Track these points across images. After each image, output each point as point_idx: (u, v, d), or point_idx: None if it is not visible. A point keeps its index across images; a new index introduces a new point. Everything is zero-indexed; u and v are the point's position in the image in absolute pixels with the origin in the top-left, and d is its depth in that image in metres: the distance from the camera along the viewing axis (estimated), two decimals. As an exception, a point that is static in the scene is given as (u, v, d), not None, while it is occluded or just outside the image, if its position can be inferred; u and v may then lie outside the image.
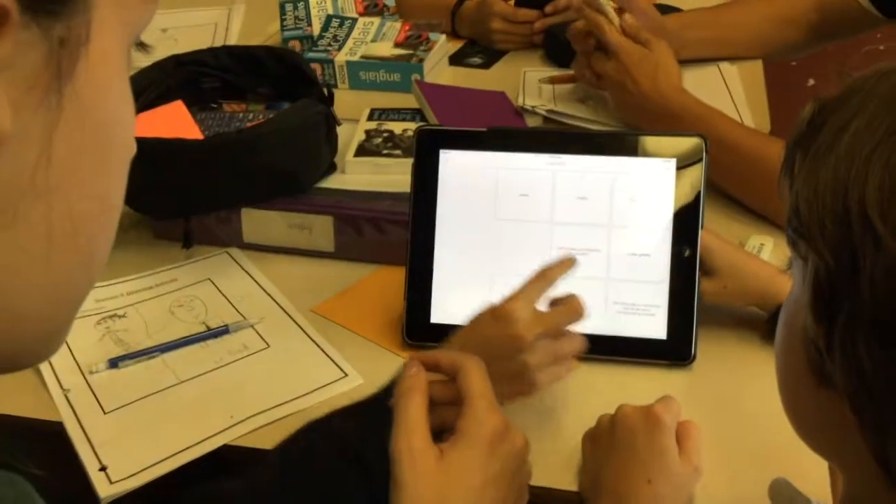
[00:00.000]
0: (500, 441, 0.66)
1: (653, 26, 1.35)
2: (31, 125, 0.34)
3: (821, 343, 0.45)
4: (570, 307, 0.80)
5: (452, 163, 0.94)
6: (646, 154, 0.91)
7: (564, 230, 0.91)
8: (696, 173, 0.90)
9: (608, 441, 0.77)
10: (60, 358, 0.92)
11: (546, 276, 0.81)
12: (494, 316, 0.78)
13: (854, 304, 0.43)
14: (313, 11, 1.61)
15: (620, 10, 1.22)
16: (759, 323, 0.91)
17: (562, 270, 0.82)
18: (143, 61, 1.21)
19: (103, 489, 0.78)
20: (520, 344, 0.77)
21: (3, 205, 0.35)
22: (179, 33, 1.70)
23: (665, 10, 1.56)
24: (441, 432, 0.68)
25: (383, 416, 0.68)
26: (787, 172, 0.49)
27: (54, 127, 0.35)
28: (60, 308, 0.40)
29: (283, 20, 1.60)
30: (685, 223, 0.90)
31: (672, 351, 0.90)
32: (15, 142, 0.34)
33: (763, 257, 1.00)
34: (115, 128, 0.39)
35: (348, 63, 1.48)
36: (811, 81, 2.44)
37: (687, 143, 0.91)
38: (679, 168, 0.90)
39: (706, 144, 0.90)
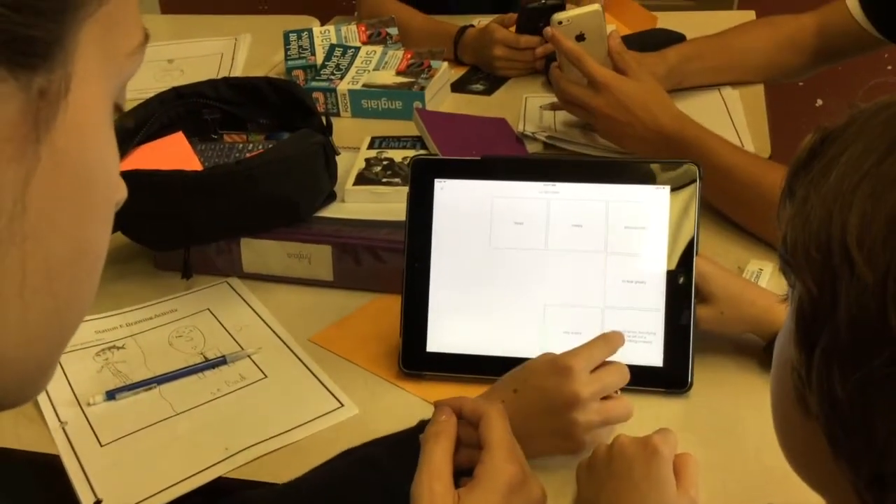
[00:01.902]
0: (517, 491, 0.67)
1: (653, 63, 1.36)
2: (6, 174, 0.34)
3: (802, 372, 0.45)
4: (619, 369, 0.82)
5: (447, 192, 0.94)
6: (639, 181, 0.91)
7: (559, 258, 0.91)
8: (690, 199, 0.90)
9: (605, 471, 0.76)
10: (58, 390, 0.93)
11: (608, 341, 0.82)
12: (554, 368, 0.79)
13: (831, 332, 0.43)
14: (317, 41, 1.62)
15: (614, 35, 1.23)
16: (756, 350, 0.91)
17: (620, 340, 0.83)
18: (144, 93, 1.23)
19: (97, 523, 0.79)
20: (575, 400, 0.78)
21: None
22: (185, 64, 1.72)
23: (669, 36, 1.57)
24: (465, 472, 0.70)
25: (414, 448, 0.70)
26: (787, 199, 0.49)
27: (31, 176, 0.35)
28: (41, 351, 0.40)
29: (287, 50, 1.62)
30: (680, 249, 0.89)
31: (669, 378, 0.89)
32: None
33: (762, 282, 0.99)
34: (95, 177, 0.39)
35: (350, 91, 1.49)
36: (819, 101, 2.44)
37: (680, 169, 0.91)
38: (673, 194, 0.90)
39: (699, 170, 0.90)
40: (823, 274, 0.43)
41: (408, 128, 1.35)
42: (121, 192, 0.42)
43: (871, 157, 0.43)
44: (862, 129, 0.45)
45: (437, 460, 0.67)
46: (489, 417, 0.70)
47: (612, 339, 0.83)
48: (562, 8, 1.47)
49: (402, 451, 0.74)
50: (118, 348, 1.00)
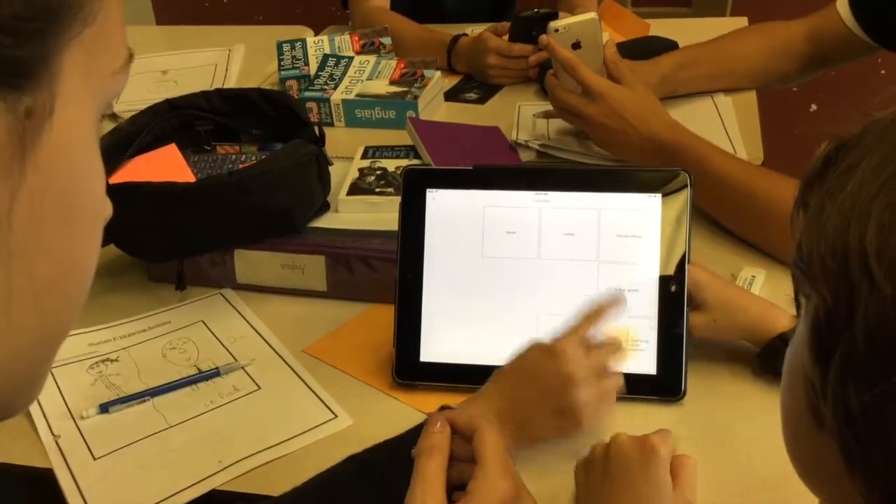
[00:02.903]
0: None
1: (647, 71, 1.36)
2: None
3: (817, 383, 0.45)
4: (612, 343, 0.83)
5: (439, 201, 0.94)
6: (631, 189, 0.91)
7: (552, 267, 0.91)
8: (682, 207, 0.90)
9: (602, 470, 0.76)
10: (52, 403, 0.92)
11: (595, 313, 0.83)
12: (546, 353, 0.80)
13: (848, 344, 0.42)
14: (310, 51, 1.63)
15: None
16: (750, 357, 0.90)
17: (605, 309, 0.84)
18: (139, 105, 1.23)
19: (90, 536, 0.78)
20: (571, 380, 0.79)
21: None
22: (179, 75, 1.72)
23: (662, 43, 1.57)
24: (457, 488, 0.69)
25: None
26: (800, 209, 0.48)
27: (16, 194, 0.35)
28: (28, 364, 0.40)
29: (280, 60, 1.62)
30: (672, 257, 0.90)
31: (662, 386, 0.89)
32: None
33: (755, 289, 0.99)
34: (80, 194, 0.39)
35: (344, 101, 1.49)
36: (813, 107, 2.45)
37: (672, 177, 0.91)
38: (665, 202, 0.90)
39: (690, 178, 0.90)
40: (840, 284, 0.42)
41: (401, 137, 1.35)
42: (107, 210, 0.42)
43: (888, 168, 0.42)
44: (879, 138, 0.44)
45: (430, 474, 0.67)
46: (482, 431, 0.70)
47: (597, 310, 0.83)
48: (554, 17, 1.47)
49: (403, 455, 0.74)
50: (111, 361, 0.99)
